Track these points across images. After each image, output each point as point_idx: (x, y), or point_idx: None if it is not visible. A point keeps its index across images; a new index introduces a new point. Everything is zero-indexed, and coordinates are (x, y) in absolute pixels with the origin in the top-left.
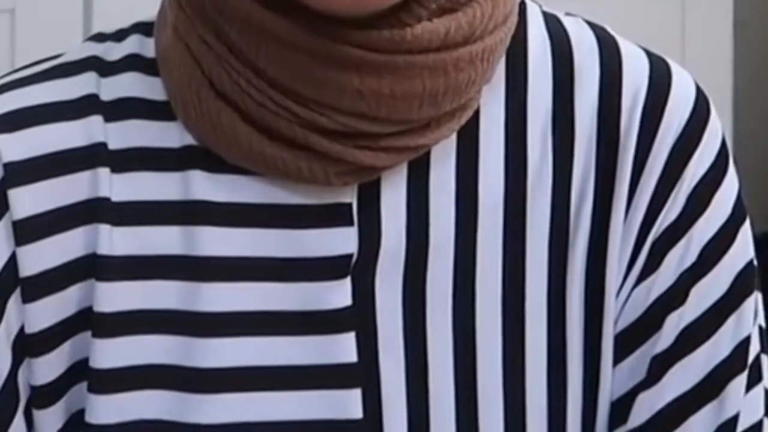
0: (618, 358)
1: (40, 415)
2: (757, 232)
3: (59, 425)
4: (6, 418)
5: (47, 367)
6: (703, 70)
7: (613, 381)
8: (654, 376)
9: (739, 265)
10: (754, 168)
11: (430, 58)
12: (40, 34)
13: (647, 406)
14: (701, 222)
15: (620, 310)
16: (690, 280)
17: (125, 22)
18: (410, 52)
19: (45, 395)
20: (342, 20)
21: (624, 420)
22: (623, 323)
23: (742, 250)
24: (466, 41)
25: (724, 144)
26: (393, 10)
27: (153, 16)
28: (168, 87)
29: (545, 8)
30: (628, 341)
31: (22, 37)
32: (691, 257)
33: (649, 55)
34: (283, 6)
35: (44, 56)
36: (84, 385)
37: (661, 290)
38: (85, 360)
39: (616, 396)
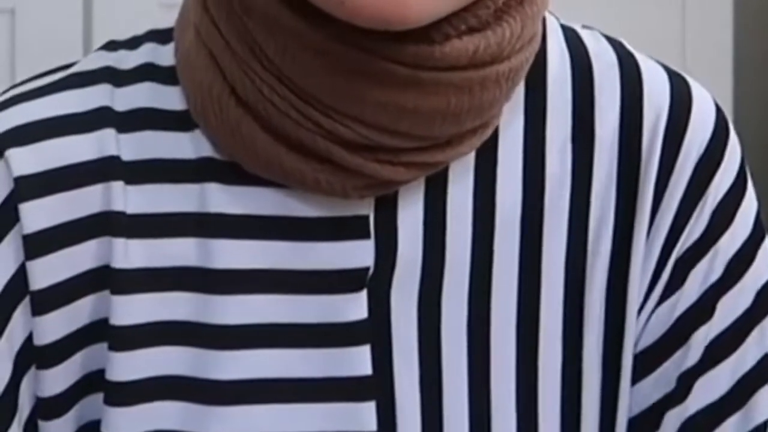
0: (641, 375)
1: (47, 427)
2: None
3: None
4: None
5: (56, 379)
6: (703, 71)
7: (634, 397)
8: (683, 392)
9: (763, 279)
10: (754, 169)
11: (457, 76)
12: (40, 34)
13: (675, 421)
14: (726, 237)
15: (643, 328)
16: (716, 295)
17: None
18: (437, 68)
19: (52, 407)
20: (371, 32)
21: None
22: (647, 341)
23: (764, 264)
24: (494, 61)
25: (743, 162)
26: (422, 27)
27: (164, 23)
28: (188, 92)
29: (562, 21)
30: (651, 358)
31: (22, 37)
32: (717, 273)
33: (668, 72)
34: (313, 12)
35: (44, 56)
36: (95, 397)
37: (686, 306)
38: (97, 372)
39: (637, 411)
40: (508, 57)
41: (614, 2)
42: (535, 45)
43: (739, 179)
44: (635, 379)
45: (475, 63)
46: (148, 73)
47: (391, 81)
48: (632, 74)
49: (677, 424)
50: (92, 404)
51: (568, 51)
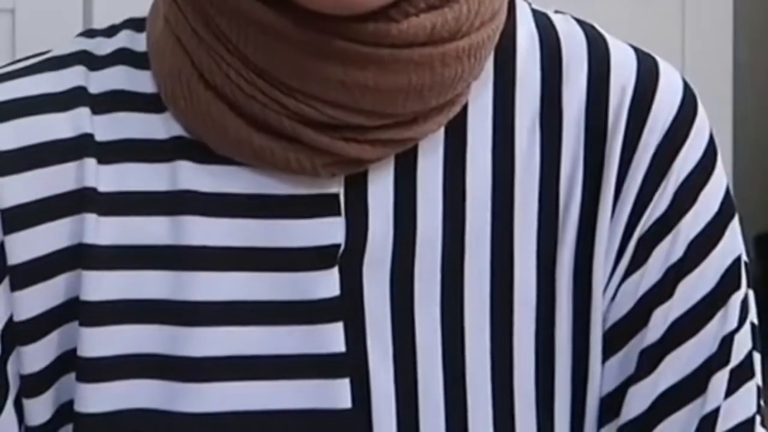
0: (608, 354)
1: (30, 404)
2: (759, 232)
3: (48, 415)
4: None
5: (35, 356)
6: (703, 71)
7: (603, 376)
8: (643, 370)
9: (727, 261)
10: (753, 169)
11: (416, 52)
12: (40, 34)
13: (638, 399)
14: (688, 217)
15: (609, 305)
16: (677, 275)
17: None
18: (396, 46)
19: (34, 384)
20: (330, 14)
21: (615, 414)
22: (612, 318)
23: (730, 246)
24: (453, 37)
25: (711, 141)
26: (382, 7)
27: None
28: (158, 78)
29: (534, 6)
30: (617, 336)
31: (22, 37)
32: (678, 252)
33: (637, 52)
34: None
35: None
36: (73, 375)
37: (648, 285)
38: (74, 350)
39: (606, 391)
40: (468, 33)
41: (614, 2)
42: (498, 23)
43: (706, 159)
44: (605, 357)
45: (434, 39)
46: (123, 57)
47: (351, 60)
48: (600, 53)
49: (641, 403)
50: (69, 383)
51: (537, 32)
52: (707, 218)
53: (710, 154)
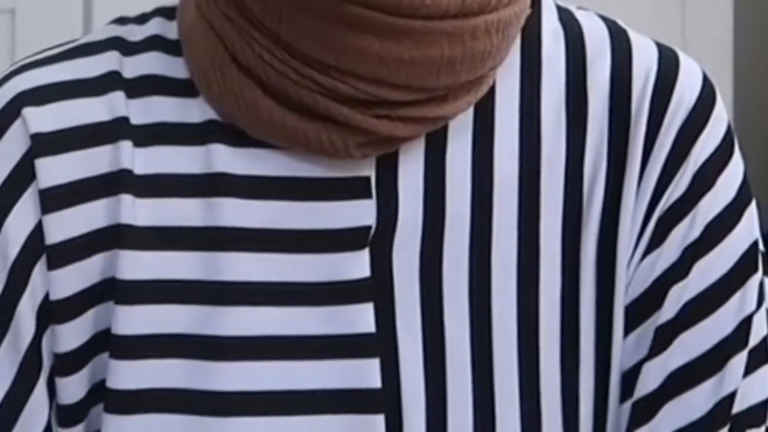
0: (625, 332)
1: (63, 383)
2: (760, 231)
3: (81, 395)
4: (29, 385)
5: (70, 335)
6: (703, 70)
7: (622, 354)
8: (657, 347)
9: (744, 245)
10: (754, 168)
11: (449, 24)
12: (40, 34)
13: (651, 376)
14: (706, 199)
15: (629, 283)
16: (693, 255)
17: None
18: (428, 17)
19: (68, 363)
20: None
21: (630, 393)
22: (630, 296)
23: (748, 230)
24: (482, 10)
25: (729, 129)
26: None
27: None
28: (191, 64)
29: (559, 2)
30: (634, 314)
31: (22, 37)
32: (695, 233)
33: (658, 44)
34: None
35: None
36: (106, 355)
37: (665, 265)
38: (108, 330)
39: (624, 369)
40: (496, 8)
41: (614, 2)
42: (523, 5)
43: (724, 145)
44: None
45: (465, 12)
46: (155, 44)
47: (387, 32)
48: (622, 43)
49: (654, 380)
50: (104, 363)
51: (561, 25)
52: (725, 202)
53: (728, 141)
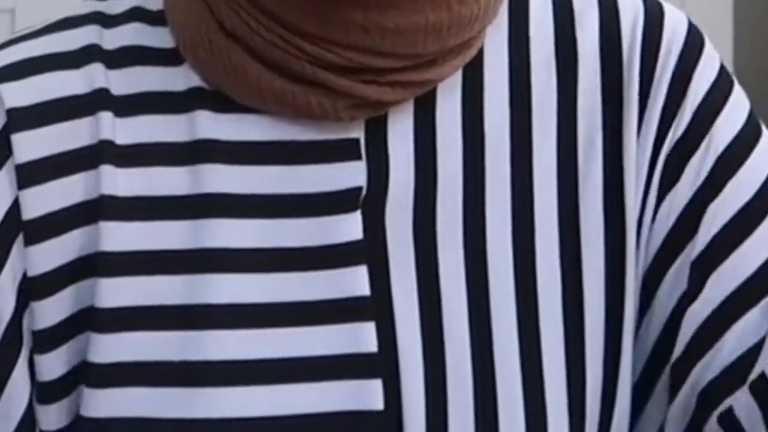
0: (660, 274)
1: (41, 360)
2: None
3: (60, 372)
4: (10, 363)
5: (48, 311)
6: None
7: (656, 309)
8: (695, 284)
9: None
10: None
11: None
12: None
13: (693, 317)
14: (719, 121)
15: (649, 231)
16: (724, 174)
17: None
18: None
19: (46, 340)
20: None
21: (672, 344)
22: (657, 240)
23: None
24: None
25: (723, 66)
26: None
27: None
28: (175, 31)
29: None
30: (665, 255)
31: None
32: (710, 162)
33: None
34: None
35: None
36: (88, 333)
37: (688, 196)
38: (90, 308)
39: (666, 316)
40: None
41: None
42: None
43: (721, 79)
44: (657, 279)
45: None
46: (136, 15)
47: (370, 3)
48: None
49: (697, 320)
50: (85, 342)
51: None
52: (737, 128)
53: (725, 76)
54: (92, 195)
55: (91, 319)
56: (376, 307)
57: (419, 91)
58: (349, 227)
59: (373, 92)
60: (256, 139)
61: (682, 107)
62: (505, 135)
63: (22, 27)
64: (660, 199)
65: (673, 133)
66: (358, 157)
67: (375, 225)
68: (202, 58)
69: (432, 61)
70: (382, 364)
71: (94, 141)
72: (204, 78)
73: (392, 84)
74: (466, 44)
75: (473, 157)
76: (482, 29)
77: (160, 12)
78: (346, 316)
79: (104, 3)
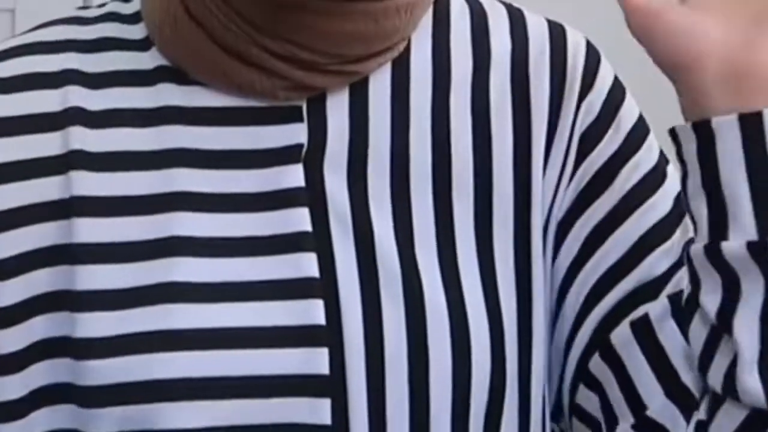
0: (567, 227)
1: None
2: None
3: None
4: None
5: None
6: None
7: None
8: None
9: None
10: None
11: (371, 6)
12: None
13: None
14: (623, 110)
15: (564, 193)
16: (632, 144)
17: None
18: (353, 0)
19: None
20: None
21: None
22: (566, 203)
23: (651, 150)
24: None
25: (617, 78)
26: None
27: None
28: (147, 18)
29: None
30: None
31: None
32: (620, 139)
33: (547, 19)
34: None
35: None
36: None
37: (604, 158)
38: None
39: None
40: None
41: (613, 2)
42: None
43: (617, 81)
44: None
45: None
46: (112, 17)
47: (312, 10)
48: (517, 15)
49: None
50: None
51: (467, 3)
52: (631, 124)
53: (618, 80)
54: (62, 150)
55: (74, 253)
56: (317, 241)
57: (349, 80)
58: (293, 176)
59: (306, 78)
60: (212, 105)
61: (592, 101)
62: (427, 107)
63: (22, 27)
64: (576, 167)
65: (582, 122)
66: (301, 120)
67: (315, 175)
68: (167, 34)
69: (357, 60)
70: (322, 289)
71: (64, 107)
72: (167, 55)
73: (324, 72)
74: (389, 48)
75: (400, 129)
76: (403, 39)
77: (135, 13)
78: (289, 248)
79: (83, 11)
